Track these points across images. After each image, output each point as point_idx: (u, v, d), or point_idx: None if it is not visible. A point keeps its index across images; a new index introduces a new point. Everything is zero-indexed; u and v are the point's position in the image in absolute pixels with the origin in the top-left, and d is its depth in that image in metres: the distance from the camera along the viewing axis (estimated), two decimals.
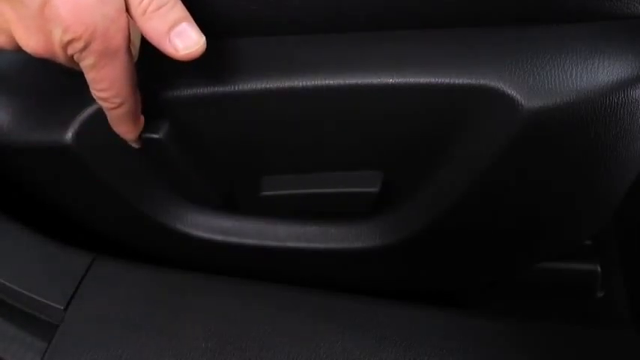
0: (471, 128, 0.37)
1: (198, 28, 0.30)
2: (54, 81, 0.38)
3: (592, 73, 0.34)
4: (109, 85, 0.31)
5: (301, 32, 0.36)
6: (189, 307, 0.37)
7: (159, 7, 0.29)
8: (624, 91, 0.34)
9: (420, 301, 0.38)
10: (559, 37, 0.35)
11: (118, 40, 0.29)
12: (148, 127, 0.37)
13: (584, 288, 0.60)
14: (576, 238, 0.50)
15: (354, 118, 0.38)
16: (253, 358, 0.34)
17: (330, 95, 0.36)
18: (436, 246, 0.47)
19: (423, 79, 0.35)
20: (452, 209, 0.42)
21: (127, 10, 0.30)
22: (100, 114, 0.35)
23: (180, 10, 0.30)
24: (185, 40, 0.30)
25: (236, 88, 0.36)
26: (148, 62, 0.34)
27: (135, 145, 0.38)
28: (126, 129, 0.35)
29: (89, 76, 0.31)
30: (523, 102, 0.34)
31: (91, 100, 0.35)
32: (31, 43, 0.29)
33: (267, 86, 0.36)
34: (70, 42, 0.29)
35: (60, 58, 0.30)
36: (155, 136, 0.37)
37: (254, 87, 0.36)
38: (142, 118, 0.36)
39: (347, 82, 0.35)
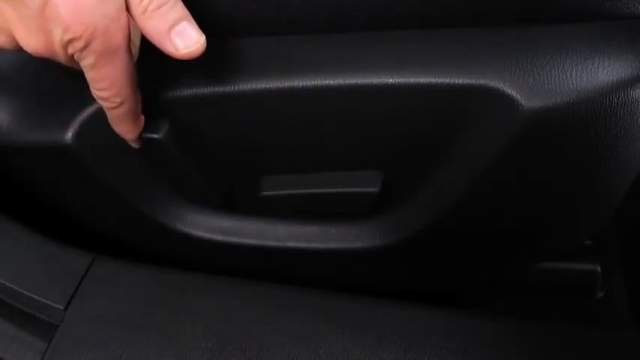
0: (471, 128, 0.37)
1: (198, 28, 0.30)
2: (54, 81, 0.38)
3: (592, 73, 0.34)
4: (109, 85, 0.31)
5: (301, 32, 0.36)
6: (189, 307, 0.37)
7: (159, 7, 0.29)
8: (624, 91, 0.34)
9: (420, 301, 0.38)
10: (559, 37, 0.35)
11: (119, 39, 0.29)
12: (148, 127, 0.37)
13: (584, 288, 0.60)
14: (576, 238, 0.50)
15: (354, 118, 0.38)
16: (253, 358, 0.34)
17: (330, 95, 0.36)
18: (436, 246, 0.47)
19: (423, 79, 0.35)
20: (452, 209, 0.42)
21: (127, 9, 0.30)
22: (100, 114, 0.35)
23: (181, 10, 0.30)
24: (185, 39, 0.30)
25: (236, 88, 0.36)
26: (148, 62, 0.34)
27: (135, 145, 0.38)
28: (126, 129, 0.35)
29: (89, 76, 0.31)
30: (523, 102, 0.34)
31: (91, 100, 0.35)
32: (32, 42, 0.29)
33: (267, 86, 0.36)
34: (70, 41, 0.29)
35: (60, 57, 0.30)
36: (155, 136, 0.37)
37: (254, 87, 0.36)
38: (142, 117, 0.36)
39: (347, 82, 0.35)
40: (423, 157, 0.40)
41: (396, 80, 0.35)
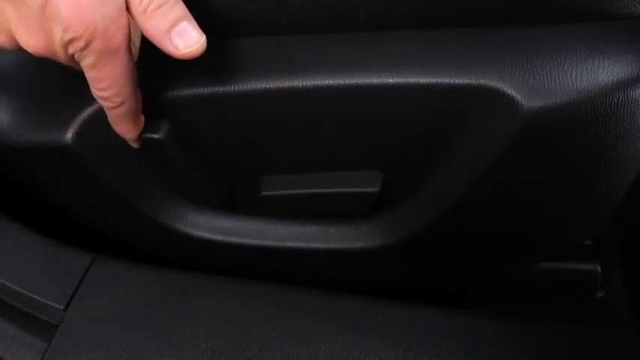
0: (471, 128, 0.37)
1: (198, 27, 0.30)
2: (54, 81, 0.38)
3: (592, 73, 0.34)
4: (109, 85, 0.31)
5: (301, 32, 0.36)
6: (189, 307, 0.37)
7: (159, 6, 0.29)
8: (624, 91, 0.34)
9: (420, 301, 0.38)
10: (559, 37, 0.35)
11: (119, 39, 0.29)
12: (148, 127, 0.37)
13: (584, 288, 0.60)
14: (576, 238, 0.50)
15: (354, 118, 0.38)
16: (253, 358, 0.34)
17: (330, 95, 0.36)
18: (436, 246, 0.47)
19: (423, 79, 0.35)
20: (452, 209, 0.42)
21: (128, 9, 0.30)
22: (100, 114, 0.35)
23: (181, 9, 0.30)
24: (186, 39, 0.30)
25: (236, 88, 0.36)
26: (148, 62, 0.34)
27: (135, 145, 0.38)
28: (126, 128, 0.35)
29: (90, 76, 0.31)
30: (523, 102, 0.34)
31: (91, 100, 0.35)
32: (32, 42, 0.29)
33: (267, 86, 0.36)
34: (70, 41, 0.29)
35: (60, 57, 0.30)
36: (155, 136, 0.37)
37: (254, 87, 0.36)
38: (142, 117, 0.36)
39: (347, 82, 0.35)
40: (423, 157, 0.40)
41: (396, 80, 0.35)
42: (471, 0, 0.34)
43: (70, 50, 0.29)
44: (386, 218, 0.46)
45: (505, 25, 0.35)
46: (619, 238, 0.62)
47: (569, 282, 0.60)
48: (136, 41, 0.34)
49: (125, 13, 0.29)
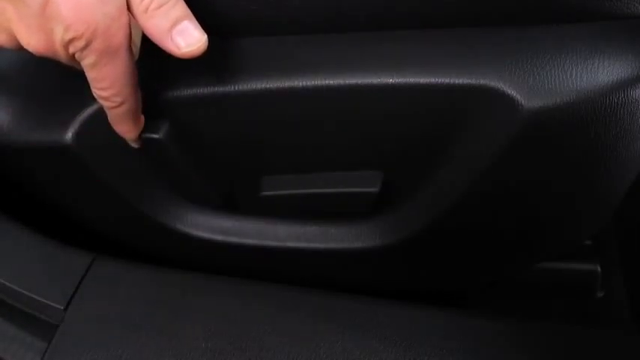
0: (471, 128, 0.37)
1: (199, 26, 0.30)
2: (54, 81, 0.38)
3: (592, 73, 0.34)
4: (109, 84, 0.31)
5: (301, 32, 0.36)
6: (189, 307, 0.37)
7: (160, 5, 0.29)
8: (624, 91, 0.34)
9: (420, 301, 0.38)
10: (559, 37, 0.35)
11: (119, 38, 0.29)
12: (148, 127, 0.37)
13: (584, 288, 0.60)
14: (576, 238, 0.50)
15: (354, 118, 0.38)
16: (253, 358, 0.34)
17: (330, 95, 0.36)
18: (436, 246, 0.47)
19: (423, 79, 0.35)
20: (452, 209, 0.42)
21: (128, 8, 0.30)
22: (100, 114, 0.35)
23: (182, 8, 0.30)
24: (187, 38, 0.30)
25: (236, 88, 0.36)
26: (148, 62, 0.34)
27: (135, 145, 0.38)
28: (126, 128, 0.35)
29: (90, 75, 0.31)
30: (523, 102, 0.34)
31: (91, 100, 0.35)
32: (32, 41, 0.29)
33: (267, 86, 0.36)
34: (71, 40, 0.29)
35: (61, 56, 0.30)
36: (155, 136, 0.37)
37: (254, 87, 0.36)
38: (142, 117, 0.36)
39: (347, 82, 0.35)
40: (423, 157, 0.40)
41: (396, 80, 0.35)
42: (470, 0, 0.34)
43: (71, 50, 0.29)
44: (386, 218, 0.45)
45: (505, 25, 0.35)
46: (619, 238, 0.62)
47: (569, 282, 0.60)
48: (137, 41, 0.34)
49: (126, 12, 0.29)
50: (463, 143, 0.38)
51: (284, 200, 0.44)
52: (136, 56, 0.34)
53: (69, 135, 0.37)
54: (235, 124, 0.38)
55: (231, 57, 0.36)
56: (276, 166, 0.42)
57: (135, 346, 0.35)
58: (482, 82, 0.35)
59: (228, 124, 0.39)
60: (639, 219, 0.59)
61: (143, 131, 0.36)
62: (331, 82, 0.35)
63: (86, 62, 0.30)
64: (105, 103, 0.33)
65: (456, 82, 0.35)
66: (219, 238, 0.46)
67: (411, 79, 0.35)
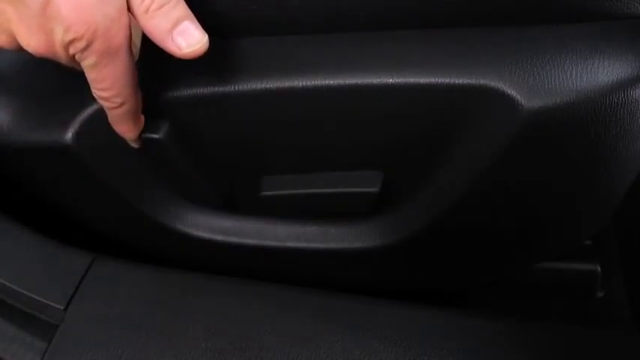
0: (471, 128, 0.37)
1: (200, 27, 0.30)
2: (54, 81, 0.38)
3: (592, 73, 0.34)
4: (110, 85, 0.31)
5: (301, 32, 0.36)
6: (189, 307, 0.37)
7: (161, 6, 0.29)
8: (624, 91, 0.34)
9: (420, 301, 0.38)
10: (559, 37, 0.35)
11: (120, 39, 0.29)
12: (148, 127, 0.37)
13: (584, 288, 0.60)
14: (576, 238, 0.50)
15: (354, 118, 0.38)
16: (253, 358, 0.34)
17: (330, 95, 0.36)
18: (436, 246, 0.47)
19: (423, 79, 0.35)
20: (452, 209, 0.42)
21: (129, 9, 0.30)
22: (100, 114, 0.35)
23: (183, 9, 0.30)
24: (188, 38, 0.30)
25: (236, 88, 0.36)
26: (148, 62, 0.34)
27: (135, 145, 0.38)
28: (126, 128, 0.35)
29: (90, 76, 0.31)
30: (523, 102, 0.34)
31: (91, 100, 0.35)
32: (32, 42, 0.29)
33: (267, 86, 0.36)
34: (71, 41, 0.29)
35: (61, 57, 0.30)
36: (155, 136, 0.37)
37: (254, 87, 0.36)
38: (142, 117, 0.36)
39: (347, 82, 0.35)
40: (423, 157, 0.40)
41: (396, 80, 0.35)
42: (470, 0, 0.34)
43: (71, 51, 0.29)
44: (386, 218, 0.45)
45: (505, 25, 0.35)
46: (619, 238, 0.62)
47: (569, 282, 0.60)
48: (137, 41, 0.34)
49: (126, 13, 0.29)
50: (463, 143, 0.38)
51: (284, 200, 0.44)
52: (136, 57, 0.34)
53: (69, 135, 0.37)
54: (235, 124, 0.38)
55: (231, 57, 0.36)
56: (276, 166, 0.42)
57: (135, 346, 0.35)
58: (482, 82, 0.35)
59: (228, 124, 0.39)
60: (639, 219, 0.59)
61: (143, 131, 0.37)
62: (331, 82, 0.35)
63: (86, 63, 0.30)
64: (105, 104, 0.33)
65: (456, 82, 0.35)
66: (219, 238, 0.46)
67: (411, 79, 0.35)
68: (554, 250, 0.50)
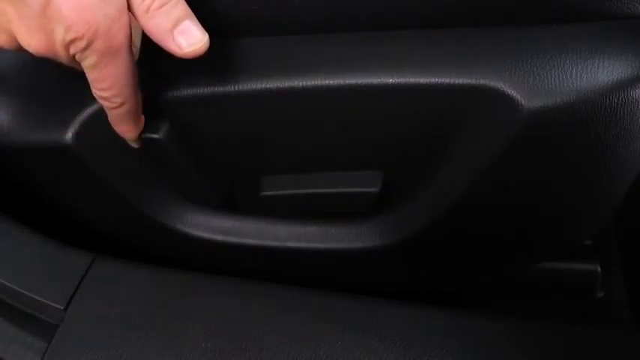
0: (471, 128, 0.37)
1: (200, 26, 0.30)
2: (54, 81, 0.38)
3: (592, 73, 0.34)
4: (110, 85, 0.31)
5: (301, 32, 0.36)
6: (189, 307, 0.37)
7: (161, 5, 0.29)
8: (624, 91, 0.34)
9: (420, 301, 0.38)
10: (559, 37, 0.35)
11: (120, 38, 0.29)
12: (148, 127, 0.37)
13: (584, 288, 0.60)
14: (576, 238, 0.50)
15: (354, 118, 0.38)
16: (253, 358, 0.34)
17: (330, 95, 0.36)
18: (436, 246, 0.47)
19: (423, 79, 0.35)
20: (452, 209, 0.42)
21: (129, 8, 0.30)
22: (100, 114, 0.35)
23: (183, 8, 0.30)
24: (188, 38, 0.30)
25: (236, 88, 0.36)
26: (148, 62, 0.34)
27: (135, 145, 0.38)
28: (126, 128, 0.35)
29: (91, 76, 0.31)
30: (523, 102, 0.34)
31: (91, 100, 0.35)
32: (33, 42, 0.29)
33: (267, 86, 0.36)
34: (72, 41, 0.29)
35: (61, 57, 0.30)
36: (155, 136, 0.37)
37: (254, 87, 0.36)
38: (142, 117, 0.36)
39: (347, 82, 0.35)
40: (423, 157, 0.40)
41: (396, 80, 0.35)
42: (471, 0, 0.34)
43: (72, 50, 0.29)
44: (386, 218, 0.45)
45: (505, 25, 0.35)
46: (619, 238, 0.62)
47: (569, 282, 0.60)
48: (137, 41, 0.34)
49: (126, 12, 0.29)
50: (463, 143, 0.38)
51: (284, 200, 0.44)
52: (136, 56, 0.34)
53: (69, 135, 0.37)
54: (235, 124, 0.38)
55: (231, 57, 0.36)
56: (276, 166, 0.42)
57: (135, 346, 0.35)
58: (482, 82, 0.35)
59: (228, 124, 0.39)
60: (639, 219, 0.59)
61: (143, 131, 0.37)
62: (331, 82, 0.35)
63: (87, 63, 0.30)
64: (105, 104, 0.33)
65: (456, 82, 0.35)
66: (219, 238, 0.46)
67: (411, 79, 0.35)
68: (554, 250, 0.50)
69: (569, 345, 0.36)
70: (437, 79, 0.35)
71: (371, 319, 0.36)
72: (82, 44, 0.29)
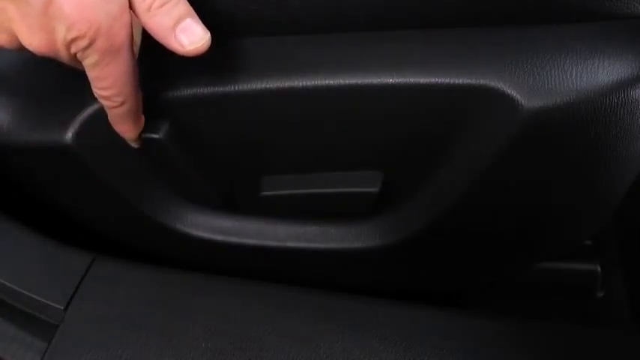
0: (471, 128, 0.37)
1: (202, 24, 0.30)
2: (54, 81, 0.38)
3: (592, 73, 0.34)
4: (111, 84, 0.31)
5: (301, 32, 0.36)
6: (189, 307, 0.37)
7: (163, 4, 0.29)
8: (624, 91, 0.34)
9: (420, 301, 0.38)
10: (559, 37, 0.35)
11: (122, 37, 0.29)
12: (148, 127, 0.37)
13: (584, 288, 0.60)
14: (576, 238, 0.50)
15: (354, 118, 0.38)
16: (253, 358, 0.34)
17: (330, 95, 0.36)
18: (436, 246, 0.47)
19: (423, 79, 0.35)
20: (452, 209, 0.42)
21: (131, 7, 0.30)
22: (100, 114, 0.35)
23: (185, 6, 0.30)
24: (190, 36, 0.30)
25: (236, 88, 0.36)
26: (148, 62, 0.34)
27: (135, 145, 0.38)
28: (126, 128, 0.35)
29: (92, 75, 0.31)
30: (523, 102, 0.34)
31: (91, 100, 0.35)
32: (34, 41, 0.29)
33: (267, 86, 0.36)
34: (73, 40, 0.29)
35: (62, 56, 0.30)
36: (155, 136, 0.37)
37: (254, 87, 0.36)
38: (143, 117, 0.36)
39: (347, 82, 0.35)
40: (423, 157, 0.40)
41: (396, 80, 0.35)
42: (471, 0, 0.34)
43: (73, 49, 0.29)
44: (386, 218, 0.45)
45: (505, 25, 0.35)
46: (619, 238, 0.62)
47: (569, 282, 0.60)
48: (137, 40, 0.34)
49: (128, 11, 0.29)
50: (463, 143, 0.38)
51: (284, 200, 0.44)
52: (137, 55, 0.34)
53: (69, 135, 0.37)
54: (235, 124, 0.38)
55: (231, 57, 0.36)
56: (276, 166, 0.42)
57: (135, 346, 0.35)
58: (482, 82, 0.35)
59: (228, 124, 0.39)
60: (639, 219, 0.59)
61: (143, 131, 0.37)
62: (331, 82, 0.35)
63: (88, 62, 0.30)
64: (106, 103, 0.33)
65: (456, 82, 0.35)
66: (219, 238, 0.46)
67: (411, 79, 0.35)
68: (554, 250, 0.50)
69: (569, 345, 0.36)
70: (437, 79, 0.35)
71: (371, 319, 0.36)
72: (83, 43, 0.29)
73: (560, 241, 0.48)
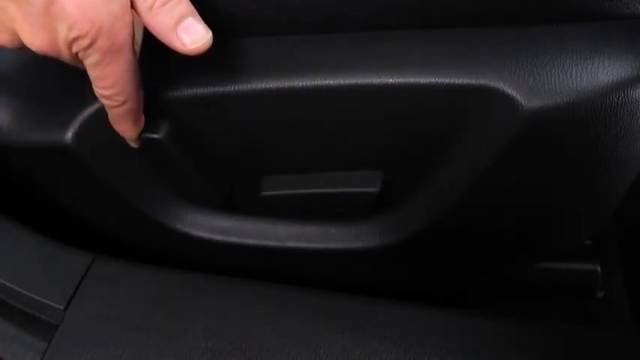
0: (471, 128, 0.37)
1: (204, 23, 0.30)
2: (54, 81, 0.38)
3: (592, 73, 0.34)
4: (112, 83, 0.31)
5: (301, 32, 0.36)
6: (189, 307, 0.37)
7: (165, 3, 0.29)
8: (624, 91, 0.34)
9: (420, 301, 0.38)
10: (559, 37, 0.35)
11: (123, 36, 0.29)
12: (148, 127, 0.37)
13: (584, 288, 0.60)
14: (576, 238, 0.50)
15: (354, 118, 0.38)
16: (253, 358, 0.34)
17: (330, 95, 0.36)
18: (436, 246, 0.47)
19: (423, 79, 0.35)
20: (452, 209, 0.42)
21: (132, 6, 0.30)
22: (100, 114, 0.35)
23: (186, 5, 0.30)
24: (192, 35, 0.30)
25: (236, 88, 0.36)
26: (149, 62, 0.34)
27: (135, 145, 0.38)
28: (126, 128, 0.35)
29: (93, 74, 0.31)
30: (523, 102, 0.34)
31: (91, 100, 0.35)
32: (36, 41, 0.29)
33: (267, 86, 0.36)
34: (75, 39, 0.29)
35: (64, 55, 0.30)
36: (155, 136, 0.37)
37: (254, 87, 0.36)
38: (143, 117, 0.36)
39: (347, 82, 0.35)
40: (423, 157, 0.40)
41: (396, 80, 0.35)
42: (471, 0, 0.34)
43: (75, 48, 0.29)
44: (386, 218, 0.45)
45: (505, 25, 0.35)
46: (619, 238, 0.62)
47: (569, 282, 0.60)
48: (138, 39, 0.34)
49: (129, 10, 0.29)
50: (463, 143, 0.38)
51: (284, 200, 0.44)
52: (138, 55, 0.34)
53: (69, 135, 0.37)
54: (235, 124, 0.38)
55: (231, 57, 0.36)
56: (276, 166, 0.42)
57: (135, 346, 0.35)
58: (482, 82, 0.35)
59: (228, 124, 0.39)
60: (639, 219, 0.59)
61: (143, 131, 0.37)
62: (331, 82, 0.35)
63: (89, 61, 0.30)
64: (107, 102, 0.33)
65: (456, 82, 0.35)
66: (219, 238, 0.46)
67: (411, 79, 0.35)
68: (554, 250, 0.50)
69: (569, 345, 0.36)
70: (437, 79, 0.35)
71: (371, 319, 0.36)
72: (85, 42, 0.29)
73: (560, 241, 0.48)
